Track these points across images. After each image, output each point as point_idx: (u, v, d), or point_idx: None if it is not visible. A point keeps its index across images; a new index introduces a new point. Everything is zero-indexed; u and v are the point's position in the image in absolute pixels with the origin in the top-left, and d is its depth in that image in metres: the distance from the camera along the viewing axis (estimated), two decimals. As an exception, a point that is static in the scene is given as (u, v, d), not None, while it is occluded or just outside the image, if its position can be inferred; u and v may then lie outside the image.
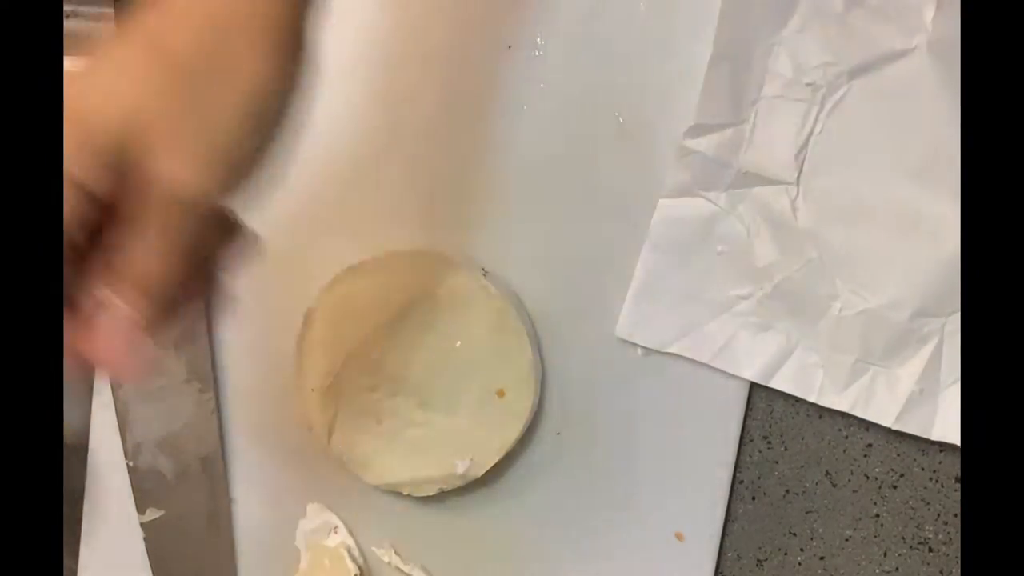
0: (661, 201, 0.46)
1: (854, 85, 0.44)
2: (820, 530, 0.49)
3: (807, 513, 0.49)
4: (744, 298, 0.46)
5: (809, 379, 0.46)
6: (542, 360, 0.48)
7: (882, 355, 0.46)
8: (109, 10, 0.47)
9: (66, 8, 0.54)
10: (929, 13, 0.43)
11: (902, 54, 0.44)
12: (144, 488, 0.51)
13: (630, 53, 0.46)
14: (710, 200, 0.46)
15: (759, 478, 0.49)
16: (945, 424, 0.46)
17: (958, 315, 0.45)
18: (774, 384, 0.46)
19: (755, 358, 0.46)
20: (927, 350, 0.46)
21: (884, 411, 0.46)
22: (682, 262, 0.46)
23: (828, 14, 0.44)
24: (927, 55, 0.43)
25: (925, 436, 0.46)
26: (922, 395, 0.46)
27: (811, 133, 0.45)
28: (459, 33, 0.47)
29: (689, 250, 0.46)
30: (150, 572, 0.52)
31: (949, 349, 0.46)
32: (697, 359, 0.47)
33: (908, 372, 0.46)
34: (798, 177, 0.45)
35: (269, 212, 0.50)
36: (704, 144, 0.45)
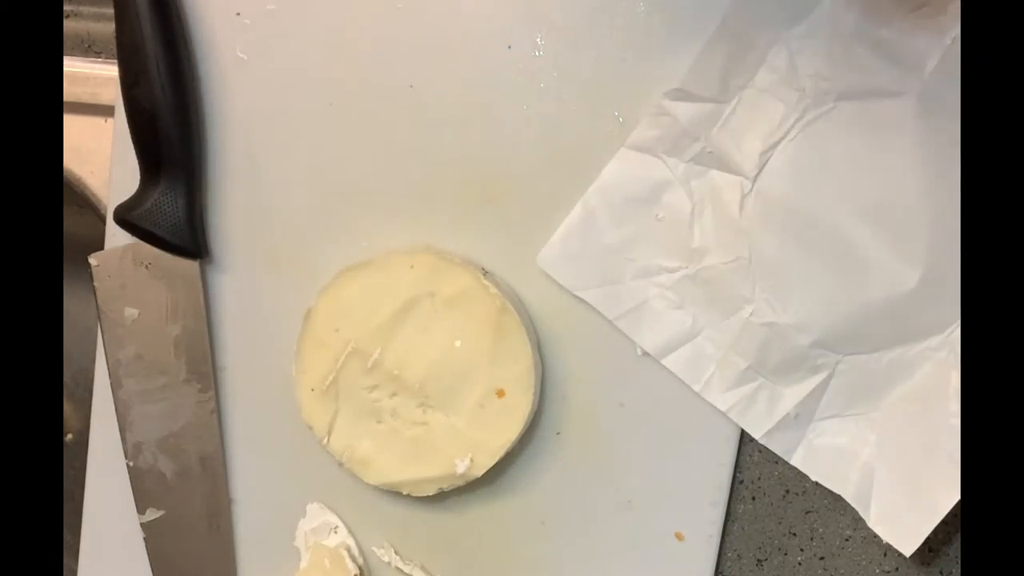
0: (622, 150, 0.46)
1: (839, 106, 0.44)
2: (820, 530, 0.49)
3: (807, 513, 0.49)
4: (668, 271, 0.47)
5: (700, 369, 0.47)
6: (542, 360, 0.48)
7: (773, 370, 0.46)
8: (109, 10, 0.47)
9: (66, 8, 0.55)
10: (931, 64, 0.42)
11: (893, 94, 0.43)
12: (144, 488, 0.51)
13: (630, 53, 0.46)
14: (667, 166, 0.46)
15: (759, 478, 0.49)
16: (807, 452, 0.47)
17: (853, 357, 0.46)
18: (666, 363, 0.47)
19: (657, 332, 0.47)
20: (815, 380, 0.46)
21: (757, 423, 0.46)
22: (621, 216, 0.46)
23: (838, 30, 0.43)
24: (915, 105, 0.43)
25: (786, 459, 0.47)
26: (796, 420, 0.46)
27: (783, 137, 0.44)
28: (459, 33, 0.47)
29: (631, 206, 0.46)
30: (150, 572, 0.52)
31: (835, 385, 0.46)
32: (603, 312, 0.47)
33: (791, 394, 0.46)
34: (757, 175, 0.45)
35: (269, 212, 0.50)
36: (681, 109, 0.45)
